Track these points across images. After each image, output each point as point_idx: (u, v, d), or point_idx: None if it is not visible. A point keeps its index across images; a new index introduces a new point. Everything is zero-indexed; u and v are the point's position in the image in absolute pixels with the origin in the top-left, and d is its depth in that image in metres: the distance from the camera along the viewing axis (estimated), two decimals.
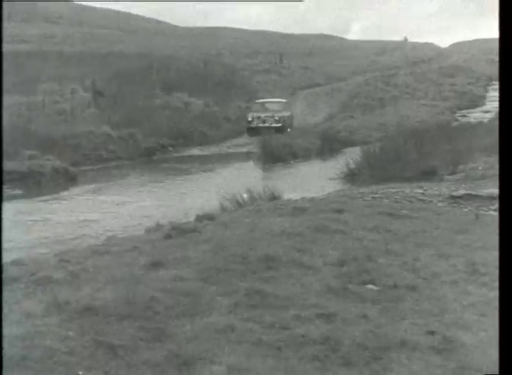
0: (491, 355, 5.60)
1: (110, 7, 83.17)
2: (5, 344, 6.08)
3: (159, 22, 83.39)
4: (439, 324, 6.88)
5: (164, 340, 6.48)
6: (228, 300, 7.58)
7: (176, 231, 10.94)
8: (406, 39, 70.61)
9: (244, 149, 31.32)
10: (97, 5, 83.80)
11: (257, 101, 37.32)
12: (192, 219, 12.82)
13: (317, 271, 8.67)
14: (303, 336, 6.56)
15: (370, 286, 8.09)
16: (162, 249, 9.97)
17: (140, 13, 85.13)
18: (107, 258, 9.72)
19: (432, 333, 6.63)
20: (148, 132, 30.70)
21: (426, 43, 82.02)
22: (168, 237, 10.78)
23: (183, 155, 30.54)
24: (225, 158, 29.46)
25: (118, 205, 18.72)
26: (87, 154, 27.95)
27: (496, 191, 11.60)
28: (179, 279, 8.25)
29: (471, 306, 7.45)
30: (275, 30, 78.20)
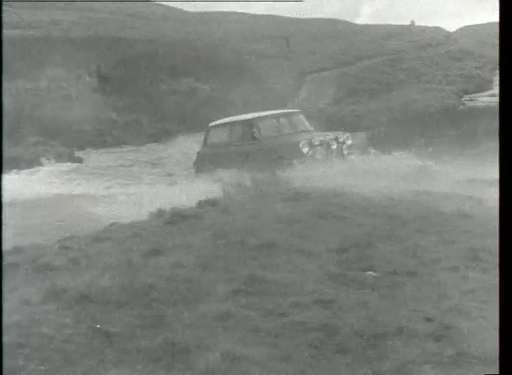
0: (489, 343, 5.57)
1: None
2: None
3: (168, 7, 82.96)
4: (437, 311, 6.84)
5: (160, 327, 6.47)
6: (227, 287, 7.55)
7: (177, 217, 10.93)
8: (413, 23, 69.92)
9: None
10: None
11: None
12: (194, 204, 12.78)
13: (317, 257, 8.64)
14: (300, 323, 6.54)
15: (369, 272, 8.06)
16: (163, 236, 9.95)
17: None
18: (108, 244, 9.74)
19: (430, 319, 6.59)
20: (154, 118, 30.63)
21: (434, 27, 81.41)
22: (169, 223, 10.77)
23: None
24: None
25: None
26: (91, 140, 28.04)
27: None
28: (178, 266, 8.22)
29: (470, 292, 7.40)
30: (283, 14, 77.52)
